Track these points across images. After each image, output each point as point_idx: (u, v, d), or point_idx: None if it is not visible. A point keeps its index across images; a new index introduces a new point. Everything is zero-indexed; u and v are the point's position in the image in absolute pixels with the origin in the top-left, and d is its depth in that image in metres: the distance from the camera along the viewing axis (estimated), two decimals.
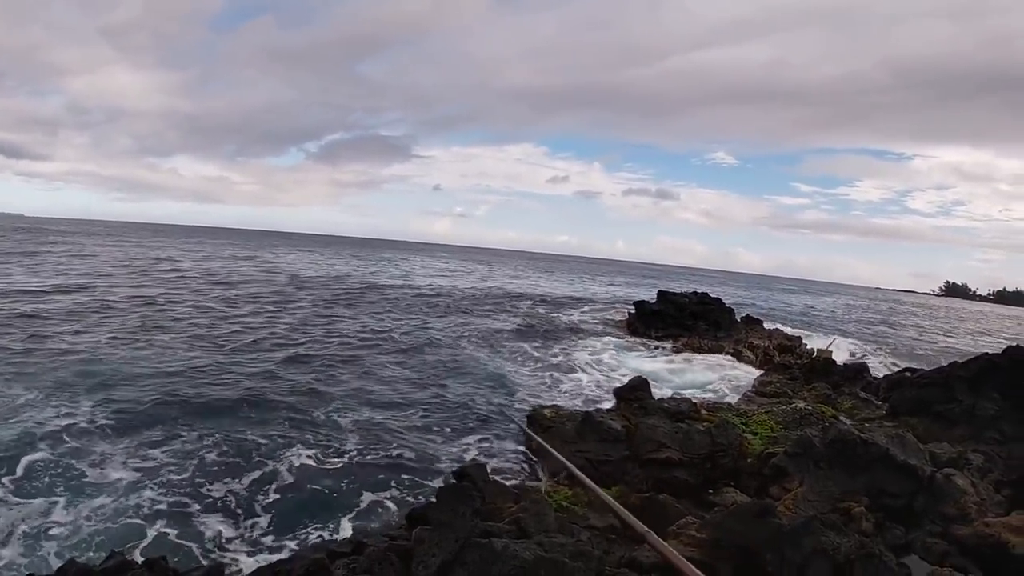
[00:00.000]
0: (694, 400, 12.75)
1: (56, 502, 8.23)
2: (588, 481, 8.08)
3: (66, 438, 10.17)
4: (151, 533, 7.74)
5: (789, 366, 17.74)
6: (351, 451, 10.78)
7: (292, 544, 7.82)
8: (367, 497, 9.13)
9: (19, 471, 8.93)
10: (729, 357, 22.51)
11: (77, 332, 18.16)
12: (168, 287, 30.46)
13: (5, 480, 8.62)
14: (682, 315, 27.10)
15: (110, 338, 17.69)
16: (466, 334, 24.04)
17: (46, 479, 8.80)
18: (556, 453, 9.37)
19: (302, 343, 19.39)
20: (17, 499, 8.20)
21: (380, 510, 8.78)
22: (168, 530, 7.85)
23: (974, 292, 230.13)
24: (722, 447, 9.28)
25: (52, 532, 7.57)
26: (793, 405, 12.29)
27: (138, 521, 7.97)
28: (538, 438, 10.30)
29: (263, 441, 10.83)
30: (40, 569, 6.65)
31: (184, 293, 29.13)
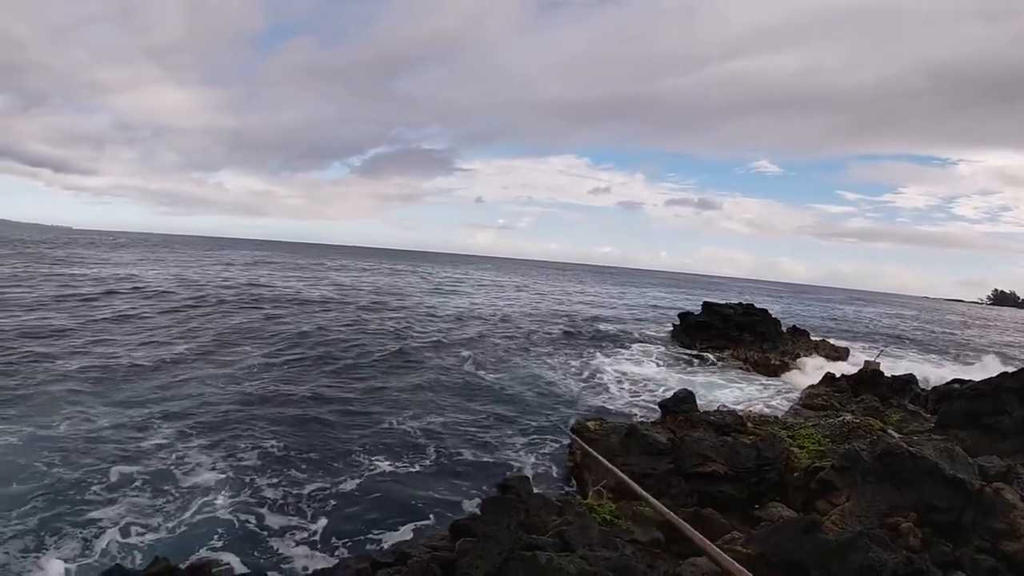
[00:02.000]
0: (740, 413, 12.65)
1: (133, 502, 8.76)
2: (643, 493, 8.05)
3: (142, 445, 10.76)
4: (214, 535, 8.14)
5: (836, 378, 17.49)
6: (398, 461, 11.00)
7: (343, 550, 8.10)
8: (412, 507, 9.30)
9: (112, 477, 9.47)
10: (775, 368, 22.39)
11: (145, 343, 18.98)
12: (225, 296, 31.15)
13: (97, 488, 9.10)
14: (727, 326, 26.83)
15: (178, 348, 18.50)
16: (513, 346, 24.14)
17: (129, 484, 9.32)
18: (608, 464, 9.34)
19: (360, 354, 19.81)
20: (107, 501, 8.75)
21: (424, 521, 8.91)
22: (228, 531, 8.26)
23: (1023, 300, 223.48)
24: (768, 461, 9.21)
25: (132, 531, 8.07)
26: (840, 418, 12.10)
27: (204, 523, 8.43)
28: (587, 446, 10.25)
29: (320, 451, 11.22)
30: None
31: (242, 301, 29.90)
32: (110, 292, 29.44)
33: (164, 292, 31.28)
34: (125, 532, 7.98)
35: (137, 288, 31.77)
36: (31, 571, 7.09)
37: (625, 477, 8.43)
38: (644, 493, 7.86)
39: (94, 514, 8.34)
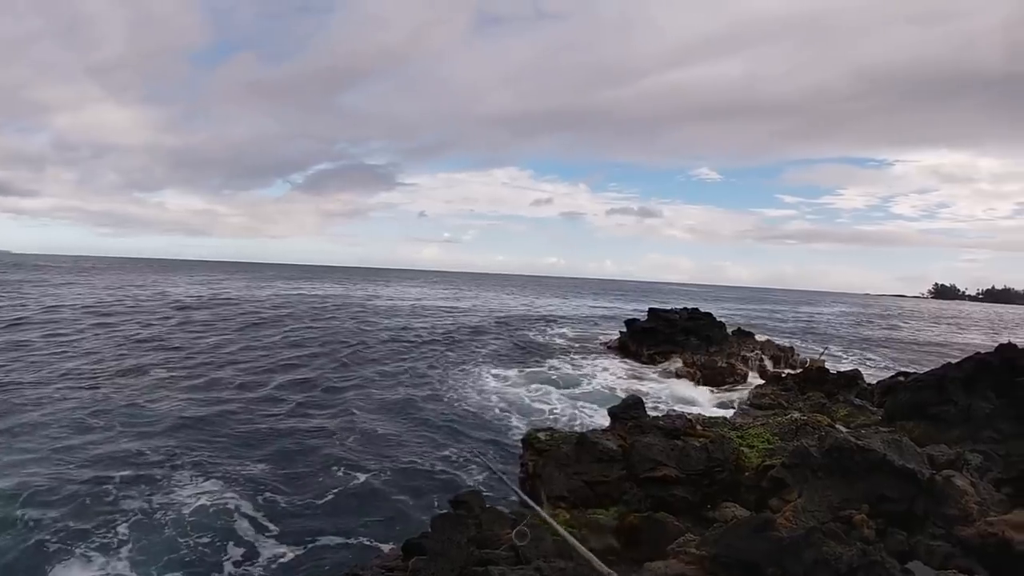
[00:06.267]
0: (688, 416, 12.63)
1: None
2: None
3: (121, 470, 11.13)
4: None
5: (783, 377, 17.67)
6: (348, 483, 10.88)
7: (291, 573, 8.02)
8: (363, 526, 9.19)
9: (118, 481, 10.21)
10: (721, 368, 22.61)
11: (112, 370, 19.45)
12: (170, 324, 30.84)
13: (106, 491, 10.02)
14: (673, 331, 27.04)
15: (151, 378, 18.71)
16: (461, 361, 24.10)
17: (110, 506, 9.69)
18: (525, 497, 9.24)
19: (310, 375, 19.83)
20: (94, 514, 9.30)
21: (375, 540, 8.79)
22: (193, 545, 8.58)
23: (963, 292, 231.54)
24: (719, 462, 9.17)
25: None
26: (788, 416, 12.18)
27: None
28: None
29: (274, 471, 11.30)
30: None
31: (185, 328, 29.59)
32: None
33: (120, 320, 30.65)
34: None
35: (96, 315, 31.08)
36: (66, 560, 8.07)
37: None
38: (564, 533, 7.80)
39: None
